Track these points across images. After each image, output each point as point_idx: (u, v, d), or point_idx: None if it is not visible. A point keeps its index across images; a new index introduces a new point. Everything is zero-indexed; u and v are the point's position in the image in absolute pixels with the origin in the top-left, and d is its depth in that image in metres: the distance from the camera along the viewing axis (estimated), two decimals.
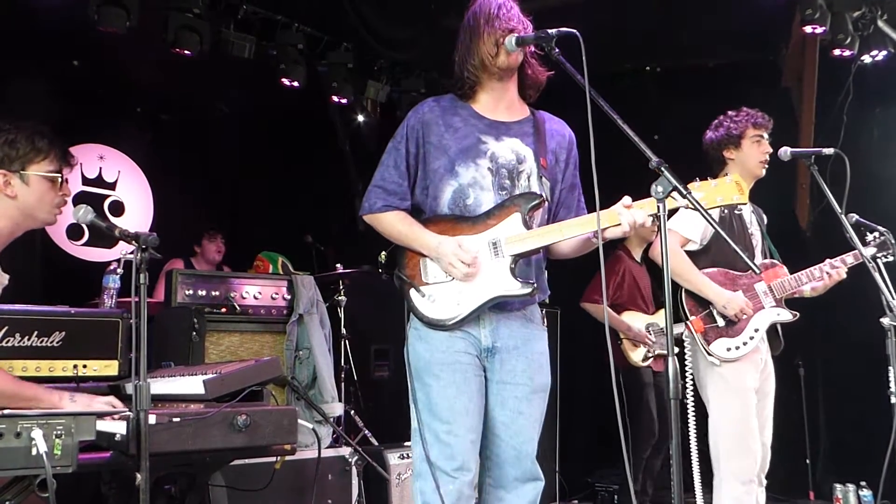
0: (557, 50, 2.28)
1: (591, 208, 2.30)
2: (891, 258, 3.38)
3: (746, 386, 3.38)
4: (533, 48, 2.49)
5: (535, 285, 2.42)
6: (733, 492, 3.30)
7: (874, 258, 3.32)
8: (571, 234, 2.41)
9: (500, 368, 2.46)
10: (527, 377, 2.47)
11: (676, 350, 2.05)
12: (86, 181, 6.15)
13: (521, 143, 2.53)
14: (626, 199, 2.33)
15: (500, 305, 2.44)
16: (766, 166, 3.56)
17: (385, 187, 2.54)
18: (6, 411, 1.87)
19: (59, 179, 2.51)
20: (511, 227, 2.43)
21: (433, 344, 2.43)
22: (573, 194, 2.64)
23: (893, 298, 3.04)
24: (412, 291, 2.49)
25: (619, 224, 2.30)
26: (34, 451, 1.80)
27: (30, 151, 2.45)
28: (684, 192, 1.99)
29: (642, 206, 2.31)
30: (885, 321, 3.03)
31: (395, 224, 2.54)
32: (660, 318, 5.33)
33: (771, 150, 3.54)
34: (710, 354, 3.39)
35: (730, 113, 3.64)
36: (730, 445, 3.34)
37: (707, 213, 2.06)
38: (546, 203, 2.52)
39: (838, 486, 5.42)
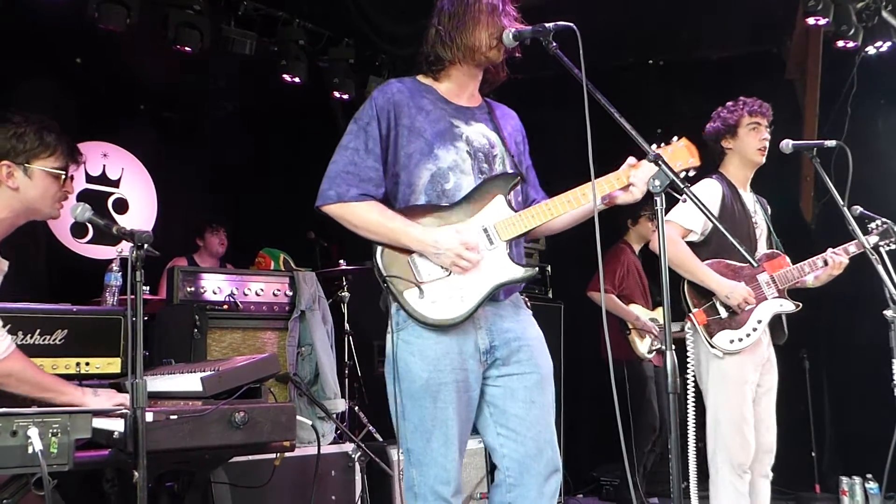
0: (555, 44, 2.26)
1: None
2: (894, 246, 3.36)
3: (745, 378, 3.40)
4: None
5: (534, 267, 2.37)
6: (731, 481, 3.34)
7: (877, 247, 3.32)
8: (561, 211, 2.35)
9: (505, 363, 2.37)
10: (533, 364, 2.38)
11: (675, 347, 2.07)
12: (89, 179, 6.17)
13: (487, 128, 2.47)
14: (631, 159, 2.30)
15: (490, 296, 2.34)
16: (766, 153, 3.55)
17: (357, 173, 2.31)
18: (2, 410, 1.87)
19: (63, 176, 2.51)
20: (497, 211, 2.35)
21: (429, 361, 2.27)
22: (532, 174, 2.61)
23: None
24: (409, 294, 2.28)
25: (629, 185, 2.28)
26: (30, 450, 1.81)
27: (37, 146, 2.45)
28: (681, 186, 1.98)
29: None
30: (888, 313, 3.02)
31: (375, 216, 2.30)
32: (660, 314, 5.34)
33: (768, 137, 3.54)
34: (713, 347, 3.39)
35: (727, 104, 3.64)
36: (727, 436, 3.36)
37: (704, 205, 2.06)
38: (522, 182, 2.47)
39: (844, 479, 5.42)
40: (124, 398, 2.45)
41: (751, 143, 3.54)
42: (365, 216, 2.31)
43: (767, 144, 3.54)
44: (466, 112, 2.47)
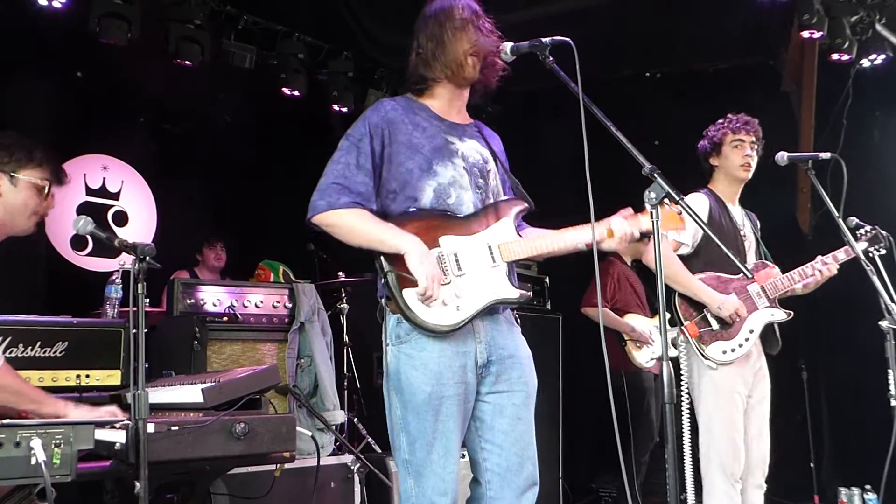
0: (552, 58, 2.29)
1: (584, 216, 2.30)
2: (883, 251, 3.39)
3: (737, 389, 3.44)
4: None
5: (529, 291, 2.43)
6: (725, 491, 3.37)
7: (867, 252, 3.34)
8: (561, 246, 2.41)
9: (496, 379, 2.40)
10: (522, 383, 2.43)
11: (674, 354, 2.10)
12: (89, 191, 6.18)
13: (479, 144, 2.53)
14: (628, 210, 2.38)
15: (489, 310, 2.39)
16: (750, 169, 3.62)
17: (348, 186, 2.33)
18: (6, 420, 1.89)
19: (47, 189, 2.59)
20: (503, 233, 2.41)
21: (432, 374, 2.28)
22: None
23: (892, 301, 3.05)
24: (407, 293, 2.27)
25: (612, 236, 2.36)
26: (33, 461, 1.82)
27: (24, 158, 2.53)
28: (677, 198, 2.00)
29: (638, 222, 2.38)
30: (884, 324, 3.05)
31: (363, 220, 2.31)
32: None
33: (752, 154, 3.61)
34: (706, 358, 3.42)
35: (717, 122, 3.73)
36: (720, 446, 3.40)
37: (699, 217, 2.08)
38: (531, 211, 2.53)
39: (843, 490, 5.41)
40: (106, 411, 2.49)
41: (734, 159, 3.62)
42: (353, 221, 2.32)
43: (751, 161, 3.61)
44: (459, 129, 2.51)
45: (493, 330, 2.41)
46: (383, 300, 2.40)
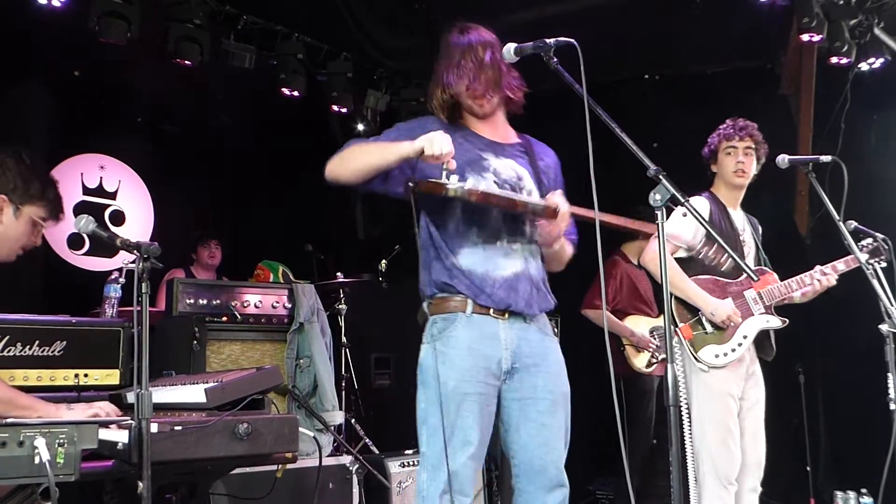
0: (556, 59, 2.29)
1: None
2: (884, 264, 3.40)
3: (729, 392, 3.45)
4: (505, 67, 2.51)
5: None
6: (717, 493, 3.37)
7: (868, 264, 3.35)
8: None
9: (520, 386, 2.47)
10: (547, 391, 2.49)
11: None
12: (86, 191, 6.17)
13: (516, 163, 2.57)
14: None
15: (518, 315, 2.48)
16: (745, 175, 3.61)
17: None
18: (10, 420, 1.88)
19: (42, 227, 2.60)
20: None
21: (457, 370, 2.38)
22: None
23: (892, 305, 3.06)
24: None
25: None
26: (37, 460, 1.82)
27: (35, 195, 2.53)
28: (682, 200, 2.00)
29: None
30: (884, 328, 3.05)
31: (368, 143, 2.47)
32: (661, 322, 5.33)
33: (744, 160, 3.60)
34: (698, 361, 3.44)
35: (717, 128, 3.73)
36: (712, 449, 3.40)
37: (703, 219, 2.09)
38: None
39: (839, 494, 5.41)
40: (101, 407, 2.49)
41: (727, 166, 3.63)
42: (360, 145, 2.46)
43: (745, 167, 3.60)
44: (497, 147, 2.57)
45: (520, 339, 2.48)
46: (425, 304, 2.50)
